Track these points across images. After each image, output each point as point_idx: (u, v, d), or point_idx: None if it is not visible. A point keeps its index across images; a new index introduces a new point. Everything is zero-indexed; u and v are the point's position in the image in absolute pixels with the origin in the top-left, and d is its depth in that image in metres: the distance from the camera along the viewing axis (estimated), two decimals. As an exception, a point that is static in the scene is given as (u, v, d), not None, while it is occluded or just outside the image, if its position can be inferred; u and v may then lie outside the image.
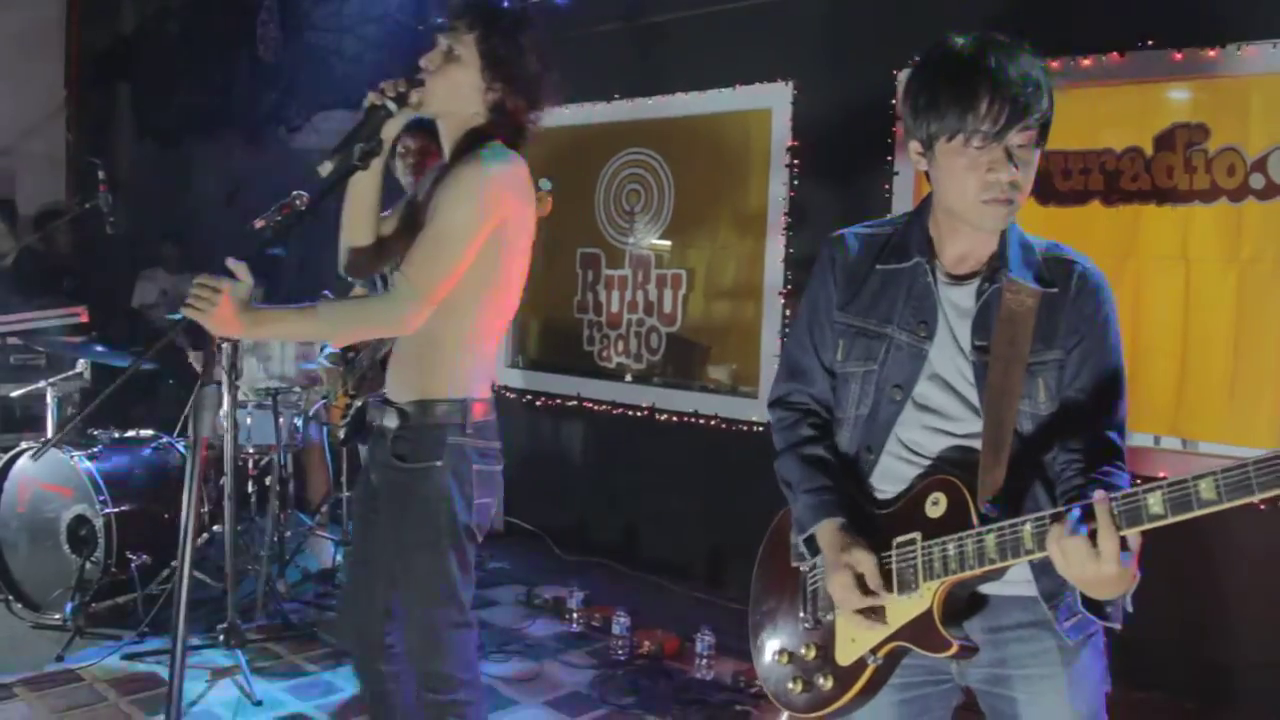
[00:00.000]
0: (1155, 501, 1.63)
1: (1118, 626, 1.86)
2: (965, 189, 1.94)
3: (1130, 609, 1.80)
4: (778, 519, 2.33)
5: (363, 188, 2.75)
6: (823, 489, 2.10)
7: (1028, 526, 1.79)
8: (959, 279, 2.05)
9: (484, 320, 2.77)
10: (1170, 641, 4.16)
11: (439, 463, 2.71)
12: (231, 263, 2.40)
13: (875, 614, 1.98)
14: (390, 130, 2.63)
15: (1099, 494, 1.68)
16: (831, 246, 2.20)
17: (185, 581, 2.17)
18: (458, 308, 2.67)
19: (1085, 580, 1.72)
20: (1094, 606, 1.84)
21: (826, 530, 2.05)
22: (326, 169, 2.57)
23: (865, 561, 1.97)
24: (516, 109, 2.73)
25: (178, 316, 2.55)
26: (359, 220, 2.81)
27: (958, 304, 2.04)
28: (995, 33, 1.97)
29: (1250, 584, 4.15)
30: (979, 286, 2.02)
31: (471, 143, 2.70)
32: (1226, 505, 1.57)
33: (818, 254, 2.23)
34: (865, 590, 1.96)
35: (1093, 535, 1.67)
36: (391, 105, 2.57)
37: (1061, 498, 1.93)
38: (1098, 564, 1.67)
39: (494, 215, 2.63)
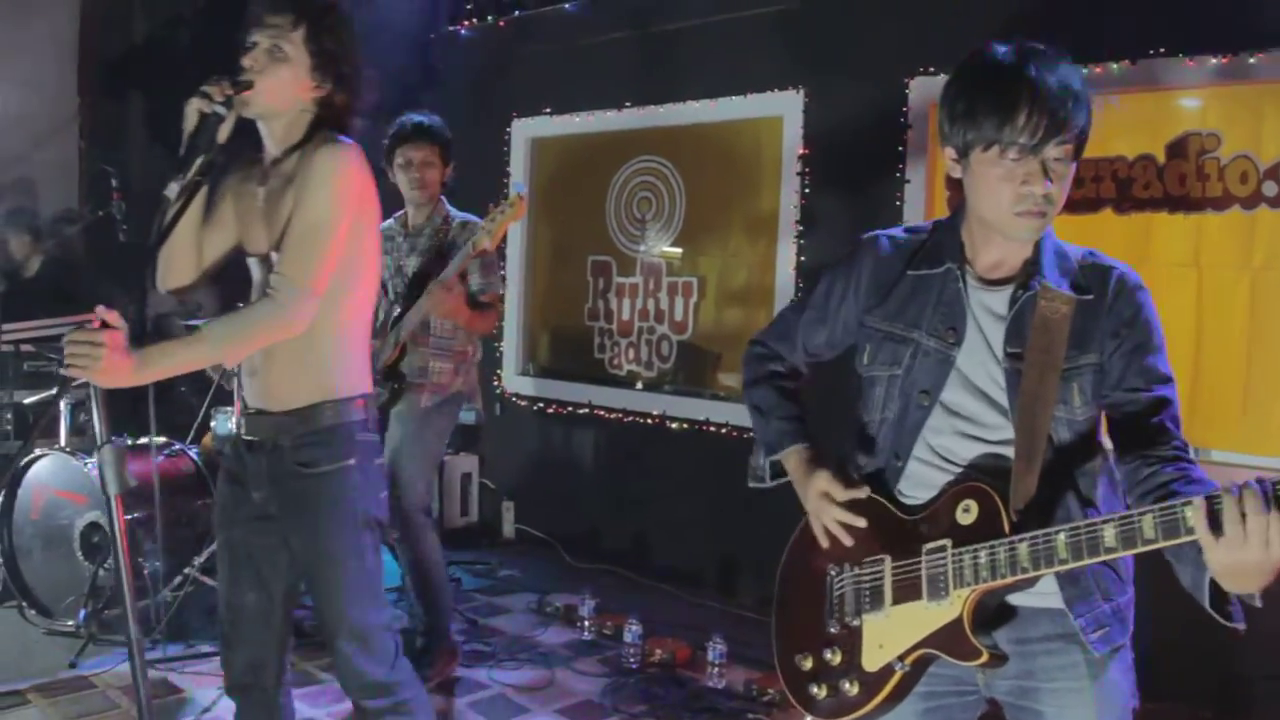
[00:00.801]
0: None
1: (1242, 627, 1.75)
2: (999, 200, 1.93)
3: (1259, 604, 1.70)
4: (802, 524, 2.31)
5: (192, 207, 2.60)
6: (797, 418, 2.23)
7: (1061, 536, 1.78)
8: (992, 284, 2.04)
9: (354, 308, 2.71)
10: (1187, 651, 4.14)
11: (351, 461, 2.66)
12: (102, 310, 2.30)
13: (904, 592, 2.00)
14: (222, 134, 2.53)
15: (1261, 483, 1.61)
16: (863, 249, 2.20)
17: (134, 637, 2.30)
18: (329, 300, 2.60)
19: (1239, 567, 1.63)
20: (1219, 604, 1.73)
21: (795, 455, 2.19)
22: (174, 190, 2.45)
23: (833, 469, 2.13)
24: (342, 104, 2.69)
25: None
26: (187, 242, 2.69)
27: (991, 309, 2.03)
28: (1036, 42, 1.96)
29: (1270, 594, 4.12)
30: (1013, 293, 2.01)
31: (309, 135, 2.65)
32: None
33: (851, 249, 2.23)
34: (846, 484, 2.09)
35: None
36: (221, 109, 2.47)
37: (1145, 498, 1.84)
38: (1266, 550, 1.60)
39: (355, 197, 2.60)
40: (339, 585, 2.68)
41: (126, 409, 6.13)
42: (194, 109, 2.48)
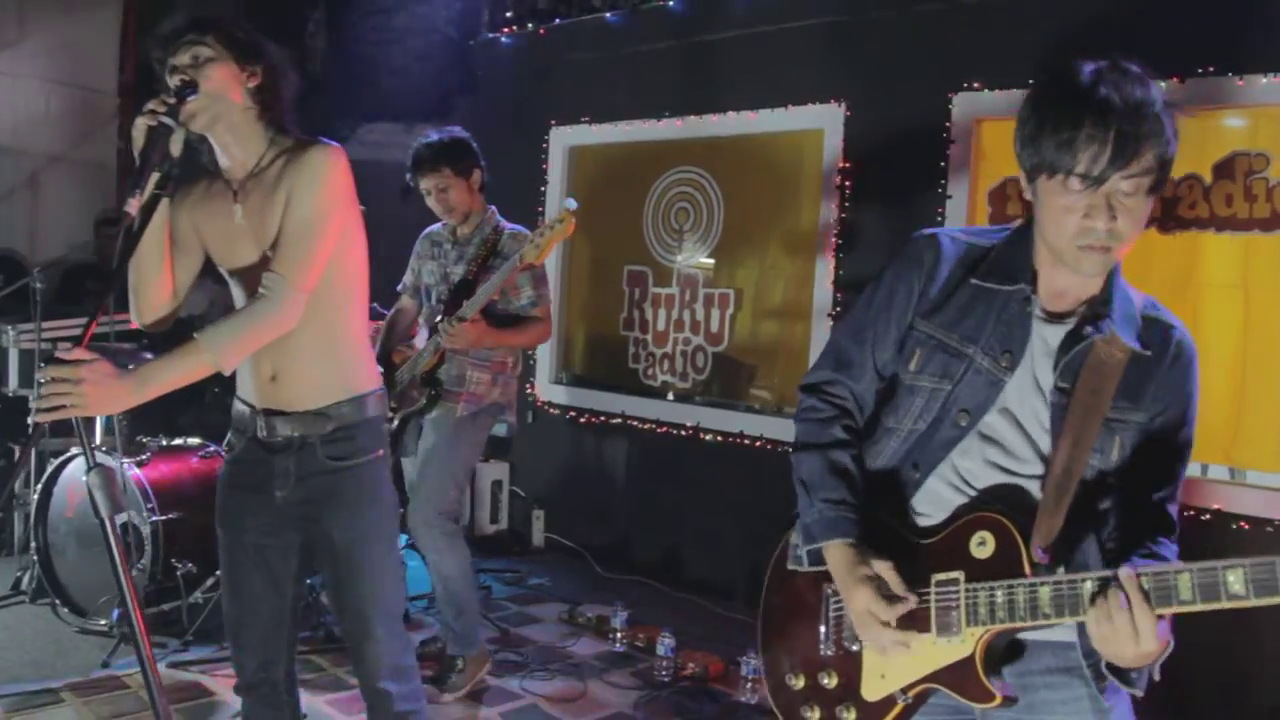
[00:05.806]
0: (1184, 586, 1.60)
1: (1140, 693, 1.79)
2: (1062, 230, 1.82)
3: (1158, 677, 1.74)
4: (790, 532, 2.23)
5: (153, 226, 2.57)
6: (842, 503, 1.99)
7: (1088, 584, 1.71)
8: (1056, 317, 1.93)
9: (360, 306, 2.82)
10: (1215, 686, 4.09)
11: (380, 452, 2.80)
12: (64, 351, 2.25)
13: (909, 620, 1.89)
14: (174, 147, 2.50)
15: (1124, 570, 1.65)
16: (922, 247, 2.03)
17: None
18: (345, 301, 2.73)
19: (1122, 657, 1.69)
20: (1119, 673, 1.77)
21: (837, 549, 1.96)
22: (133, 206, 2.38)
23: (884, 568, 1.90)
24: (279, 86, 2.70)
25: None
26: (158, 267, 2.66)
27: (1047, 340, 1.93)
28: (1125, 61, 1.82)
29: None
30: (1078, 329, 1.90)
31: (279, 143, 2.68)
32: (1255, 603, 1.53)
33: (907, 247, 2.06)
34: (891, 599, 1.88)
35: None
36: (169, 121, 2.45)
37: (1107, 558, 1.88)
38: (1136, 643, 1.63)
39: (344, 197, 2.66)
40: (377, 571, 2.79)
41: (159, 413, 6.19)
42: (140, 126, 2.46)
